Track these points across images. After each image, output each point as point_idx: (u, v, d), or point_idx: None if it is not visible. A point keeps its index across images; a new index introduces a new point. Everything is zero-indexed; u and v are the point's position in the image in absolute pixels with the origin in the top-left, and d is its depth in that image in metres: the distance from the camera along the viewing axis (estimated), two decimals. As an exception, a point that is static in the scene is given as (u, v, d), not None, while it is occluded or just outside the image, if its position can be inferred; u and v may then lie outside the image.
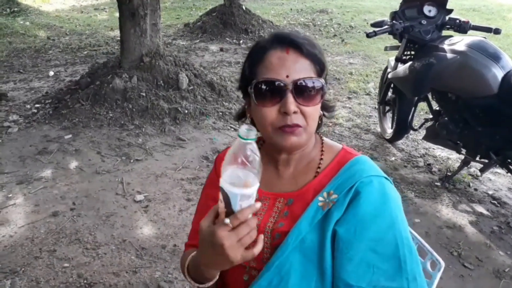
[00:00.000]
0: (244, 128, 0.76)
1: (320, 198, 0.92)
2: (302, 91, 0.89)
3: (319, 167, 0.98)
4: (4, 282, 1.98)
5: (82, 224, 2.43)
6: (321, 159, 0.99)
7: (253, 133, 0.76)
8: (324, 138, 1.05)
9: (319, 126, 1.02)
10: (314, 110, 0.91)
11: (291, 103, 0.87)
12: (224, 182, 0.79)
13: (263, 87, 0.90)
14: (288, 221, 0.94)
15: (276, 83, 0.88)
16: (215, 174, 1.08)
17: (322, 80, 0.92)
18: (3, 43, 6.66)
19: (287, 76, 0.88)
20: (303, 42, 0.90)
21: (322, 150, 1.01)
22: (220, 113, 3.98)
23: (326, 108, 1.03)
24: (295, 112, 0.89)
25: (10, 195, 2.69)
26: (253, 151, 0.78)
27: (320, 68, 0.92)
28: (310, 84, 0.89)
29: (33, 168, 3.02)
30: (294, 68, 0.88)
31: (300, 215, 0.92)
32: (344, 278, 0.87)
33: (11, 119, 3.80)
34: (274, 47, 0.91)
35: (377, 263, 0.86)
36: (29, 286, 1.97)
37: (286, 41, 0.90)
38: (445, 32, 2.97)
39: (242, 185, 0.77)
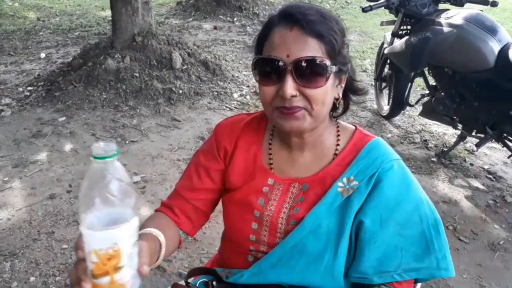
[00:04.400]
0: (99, 145, 0.60)
1: (340, 184, 0.90)
2: (303, 72, 0.81)
3: (335, 152, 0.95)
4: (4, 264, 1.99)
5: (79, 206, 2.43)
6: (338, 144, 0.96)
7: (113, 148, 0.60)
8: (339, 120, 1.00)
9: (344, 110, 0.98)
10: (320, 93, 0.83)
11: (289, 86, 0.81)
12: (85, 228, 0.61)
13: (263, 65, 0.85)
14: (303, 207, 0.92)
15: (275, 62, 0.82)
16: (215, 142, 1.03)
17: (328, 61, 0.82)
18: (-8, 25, 6.52)
19: (288, 56, 0.81)
20: (311, 19, 0.82)
21: (338, 134, 0.97)
22: (215, 93, 3.95)
23: (354, 90, 0.96)
24: (294, 96, 0.83)
25: (6, 178, 2.68)
26: (119, 172, 0.61)
27: (332, 48, 0.83)
28: (312, 64, 0.81)
29: (28, 151, 3.00)
30: (297, 47, 0.81)
31: (316, 201, 0.91)
32: (362, 269, 0.87)
33: (3, 103, 3.76)
34: (279, 24, 0.84)
35: (405, 246, 0.87)
36: (28, 267, 1.98)
37: (291, 18, 0.83)
38: (441, 6, 2.93)
39: (115, 224, 0.60)
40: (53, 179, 2.69)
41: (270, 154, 0.99)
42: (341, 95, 0.92)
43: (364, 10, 2.81)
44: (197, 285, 1.05)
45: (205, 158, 1.03)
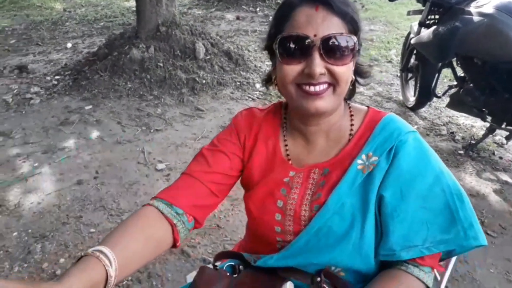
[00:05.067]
0: None
1: (359, 161, 0.90)
2: (331, 48, 0.81)
3: (351, 133, 0.94)
4: (35, 246, 2.06)
5: (106, 192, 2.49)
6: (352, 125, 0.95)
7: None
8: (350, 103, 0.99)
9: (351, 93, 0.97)
10: (345, 70, 0.84)
11: (317, 64, 0.81)
12: None
13: (289, 42, 0.84)
14: (325, 190, 0.91)
15: (302, 40, 0.82)
16: (236, 131, 1.02)
17: (355, 38, 0.84)
18: (21, 16, 6.69)
19: (315, 35, 0.81)
20: None
21: (351, 115, 0.96)
22: (238, 83, 3.95)
23: (360, 73, 0.95)
24: (322, 74, 0.82)
25: (36, 164, 2.76)
26: None
27: (353, 27, 0.85)
28: (340, 41, 0.82)
29: (56, 138, 3.08)
30: (323, 26, 0.81)
31: (338, 182, 0.90)
32: (389, 246, 0.85)
33: (32, 91, 3.86)
34: (302, 4, 0.84)
35: (430, 219, 0.85)
36: (58, 249, 2.05)
37: None
38: (472, -6, 2.84)
39: None
40: (80, 165, 2.75)
41: (286, 145, 0.99)
42: (353, 76, 0.91)
43: (391, -1, 2.76)
44: (224, 269, 1.06)
45: (223, 144, 1.01)
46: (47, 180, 2.59)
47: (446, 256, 0.91)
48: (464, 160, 2.81)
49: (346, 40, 0.82)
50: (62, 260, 1.97)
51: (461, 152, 2.89)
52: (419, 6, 3.15)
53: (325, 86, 0.84)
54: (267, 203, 0.97)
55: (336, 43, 0.82)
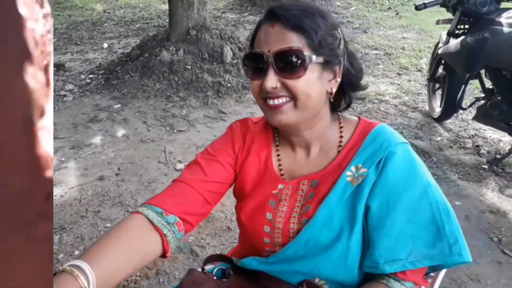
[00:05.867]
0: None
1: (348, 173, 0.89)
2: (282, 63, 0.83)
3: (340, 145, 0.95)
4: (54, 237, 2.17)
5: (125, 189, 2.58)
6: (341, 136, 0.95)
7: None
8: (342, 114, 1.00)
9: (347, 105, 0.98)
10: (300, 84, 0.84)
11: (269, 79, 0.84)
12: None
13: (250, 59, 0.88)
14: (314, 203, 0.91)
15: (258, 57, 0.85)
16: (231, 141, 1.04)
17: (306, 51, 0.83)
18: (63, 16, 7.02)
19: (269, 51, 0.84)
20: (292, 14, 0.84)
21: (341, 127, 0.97)
22: (263, 87, 3.99)
23: (352, 85, 0.95)
24: (274, 88, 0.85)
25: (63, 158, 2.91)
26: None
27: (312, 40, 0.83)
28: (289, 55, 0.83)
29: (84, 134, 3.22)
30: (277, 42, 0.84)
31: (327, 195, 0.90)
32: (373, 258, 0.85)
33: (67, 88, 4.06)
34: (265, 22, 0.88)
35: (416, 233, 0.85)
36: (74, 242, 2.15)
37: (273, 15, 0.86)
38: (504, 4, 2.75)
39: None
40: (104, 162, 2.87)
41: (279, 155, 1.01)
42: (334, 90, 0.91)
43: (417, 8, 2.72)
44: (213, 273, 1.08)
45: (219, 154, 1.02)
46: (72, 175, 2.72)
47: (432, 270, 0.90)
48: (487, 175, 2.71)
49: (294, 54, 0.83)
50: (77, 252, 2.08)
51: (485, 166, 2.79)
52: (450, 16, 3.08)
53: (285, 99, 0.86)
54: (257, 215, 0.98)
55: (285, 57, 0.83)
